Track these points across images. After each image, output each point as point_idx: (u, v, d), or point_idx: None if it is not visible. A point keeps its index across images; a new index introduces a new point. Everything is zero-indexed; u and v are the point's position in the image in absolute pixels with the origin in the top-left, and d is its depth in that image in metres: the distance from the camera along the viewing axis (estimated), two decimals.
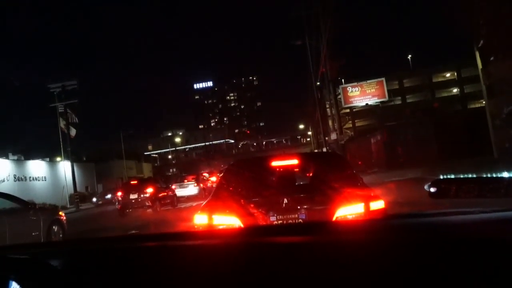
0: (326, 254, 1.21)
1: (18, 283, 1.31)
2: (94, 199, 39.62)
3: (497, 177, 1.60)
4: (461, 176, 1.64)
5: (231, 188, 4.72)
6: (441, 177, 1.65)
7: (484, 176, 1.63)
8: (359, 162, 33.88)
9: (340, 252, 1.21)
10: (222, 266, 1.25)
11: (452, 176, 1.65)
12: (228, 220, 4.06)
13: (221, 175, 7.05)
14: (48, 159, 46.87)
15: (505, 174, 1.57)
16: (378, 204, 4.04)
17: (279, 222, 3.96)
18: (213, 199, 4.58)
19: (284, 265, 1.19)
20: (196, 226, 4.18)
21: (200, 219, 4.15)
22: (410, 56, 68.82)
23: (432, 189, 1.62)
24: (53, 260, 1.44)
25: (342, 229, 1.59)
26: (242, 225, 3.91)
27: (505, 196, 1.54)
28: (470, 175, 1.62)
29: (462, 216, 1.58)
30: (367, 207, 3.96)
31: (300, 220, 3.97)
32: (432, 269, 1.05)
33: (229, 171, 5.31)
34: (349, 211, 3.94)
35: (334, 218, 3.86)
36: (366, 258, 1.14)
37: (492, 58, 21.03)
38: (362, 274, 1.09)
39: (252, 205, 4.12)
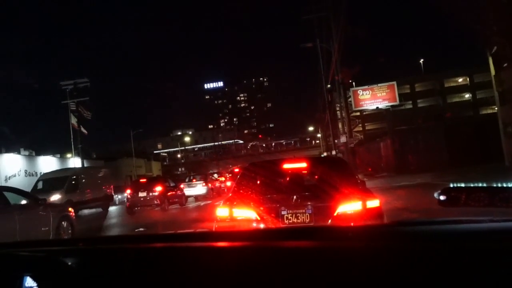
0: (332, 260, 1.21)
1: (34, 280, 1.34)
2: None
3: (508, 187, 1.58)
4: (471, 185, 1.63)
5: (248, 186, 5.28)
6: (451, 185, 1.64)
7: (495, 185, 1.61)
8: (369, 169, 33.57)
9: (348, 258, 1.21)
10: (226, 269, 1.27)
11: (462, 184, 1.64)
12: (245, 213, 4.59)
13: (236, 175, 7.76)
14: (58, 155, 47.19)
15: None
16: (374, 203, 4.64)
17: (289, 215, 4.50)
18: (233, 195, 5.15)
19: (290, 269, 1.20)
20: (218, 218, 4.73)
21: (222, 212, 4.73)
22: (422, 60, 68.32)
23: (442, 197, 1.62)
24: (66, 258, 1.46)
25: (351, 234, 1.59)
26: (258, 218, 4.47)
27: None
28: (480, 184, 1.61)
29: (471, 225, 1.57)
30: (364, 205, 4.54)
31: (307, 214, 4.50)
32: (440, 277, 1.05)
33: (245, 172, 5.93)
34: (348, 208, 4.53)
35: (335, 214, 4.45)
36: (374, 265, 1.14)
37: (505, 65, 20.79)
38: (369, 281, 1.10)
39: (266, 201, 4.73)
